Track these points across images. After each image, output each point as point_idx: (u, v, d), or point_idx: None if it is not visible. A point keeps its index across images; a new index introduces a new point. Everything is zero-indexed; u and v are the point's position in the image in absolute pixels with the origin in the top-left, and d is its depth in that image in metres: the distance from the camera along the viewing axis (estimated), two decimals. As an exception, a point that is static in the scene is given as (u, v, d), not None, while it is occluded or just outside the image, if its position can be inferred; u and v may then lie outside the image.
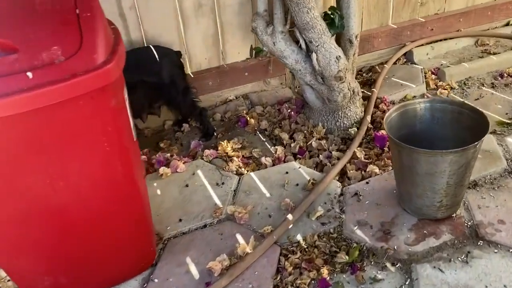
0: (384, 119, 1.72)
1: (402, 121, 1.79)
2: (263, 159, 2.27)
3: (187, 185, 2.12)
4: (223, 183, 2.11)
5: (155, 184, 2.15)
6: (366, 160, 2.18)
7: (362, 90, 2.70)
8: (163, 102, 2.47)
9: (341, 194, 1.99)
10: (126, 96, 1.43)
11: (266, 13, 2.28)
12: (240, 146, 2.44)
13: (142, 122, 2.52)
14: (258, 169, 2.24)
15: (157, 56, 2.31)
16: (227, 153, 2.39)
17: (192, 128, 2.64)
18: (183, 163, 2.27)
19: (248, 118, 2.64)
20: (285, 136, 2.45)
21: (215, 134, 2.57)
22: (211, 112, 2.73)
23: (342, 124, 2.46)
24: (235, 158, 2.31)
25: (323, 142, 2.38)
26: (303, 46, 2.25)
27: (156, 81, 2.31)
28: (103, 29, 1.24)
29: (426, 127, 1.83)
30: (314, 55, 2.17)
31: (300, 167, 2.17)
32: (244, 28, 2.66)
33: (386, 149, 2.24)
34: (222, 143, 2.44)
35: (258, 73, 2.82)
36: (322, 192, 1.97)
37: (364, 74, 3.03)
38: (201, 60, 2.70)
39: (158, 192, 2.10)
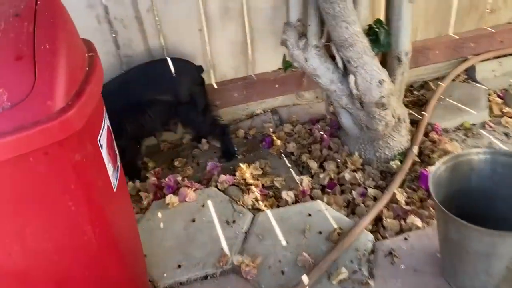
0: (430, 175, 1.36)
1: (453, 176, 1.43)
2: (284, 194, 1.96)
3: (193, 220, 1.86)
4: (234, 221, 1.83)
5: (159, 215, 1.90)
6: (407, 207, 1.82)
7: (411, 112, 2.32)
8: (180, 121, 2.21)
9: (372, 251, 1.65)
10: (104, 137, 1.16)
11: (299, 24, 1.94)
12: (261, 172, 2.14)
13: (155, 138, 2.29)
14: (278, 206, 1.94)
15: (174, 72, 2.05)
16: (245, 179, 2.10)
17: (212, 146, 2.37)
18: (194, 190, 2.00)
19: (274, 138, 2.34)
20: (313, 165, 2.12)
21: (236, 155, 2.29)
22: (234, 128, 2.44)
23: (382, 155, 2.10)
24: (253, 188, 2.02)
25: (359, 175, 2.04)
26: (340, 64, 1.90)
27: (173, 99, 2.06)
28: (66, 65, 0.97)
29: (484, 184, 1.45)
30: (351, 78, 1.82)
31: (326, 209, 1.85)
32: (276, 35, 2.30)
33: (432, 193, 1.87)
34: (242, 167, 2.16)
35: (290, 85, 2.49)
36: (349, 247, 1.64)
37: (415, 92, 2.62)
38: (226, 69, 2.41)
39: (161, 225, 1.85)
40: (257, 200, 1.98)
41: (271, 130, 2.40)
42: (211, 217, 1.86)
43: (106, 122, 1.21)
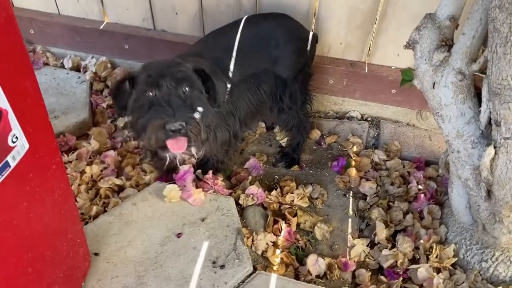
0: None
1: None
2: (311, 259, 1.33)
3: (179, 235, 1.35)
4: (222, 267, 1.27)
5: (145, 207, 1.42)
6: None
7: None
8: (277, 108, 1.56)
9: None
10: None
11: (449, 24, 1.12)
12: (307, 204, 1.51)
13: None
14: (295, 272, 1.33)
15: (281, 32, 1.43)
16: (281, 205, 1.50)
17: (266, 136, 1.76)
18: (206, 191, 1.47)
19: (353, 164, 1.63)
20: (382, 230, 1.41)
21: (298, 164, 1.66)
22: (312, 124, 1.77)
23: (492, 269, 1.30)
24: (281, 224, 1.42)
25: (442, 278, 1.29)
26: (484, 119, 1.09)
27: (283, 74, 1.46)
28: None
29: None
30: (489, 151, 1.02)
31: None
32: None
33: None
34: (288, 184, 1.55)
35: (413, 97, 1.69)
36: None
37: None
38: (332, 42, 1.69)
39: (138, 223, 1.38)
40: (274, 245, 1.38)
41: (354, 149, 1.69)
42: (200, 244, 1.33)
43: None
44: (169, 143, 1.16)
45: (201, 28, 1.78)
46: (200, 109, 1.17)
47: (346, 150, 1.69)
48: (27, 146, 0.81)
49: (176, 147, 1.17)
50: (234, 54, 1.35)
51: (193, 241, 1.34)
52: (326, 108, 1.84)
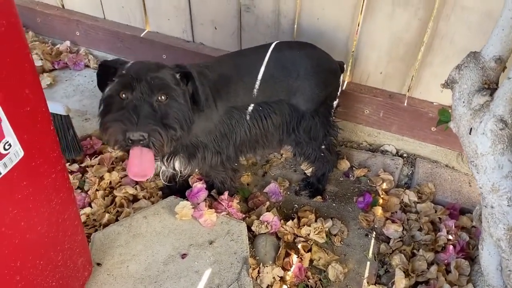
0: None
1: None
2: (319, 301, 1.23)
3: (183, 256, 1.30)
4: (221, 297, 1.21)
5: (155, 222, 1.39)
6: None
7: None
8: (294, 141, 1.45)
9: None
10: None
11: (494, 66, 1.01)
12: (324, 239, 1.41)
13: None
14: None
15: (304, 62, 1.33)
16: (295, 237, 1.42)
17: (291, 161, 1.69)
18: (219, 212, 1.42)
19: (379, 202, 1.52)
20: (401, 283, 1.29)
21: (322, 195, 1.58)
22: (341, 154, 1.68)
23: None
24: (293, 258, 1.34)
25: None
26: (523, 177, 0.96)
27: (301, 106, 1.35)
28: None
29: None
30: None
31: None
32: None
33: None
34: (305, 216, 1.47)
35: (454, 137, 1.55)
36: None
37: None
38: (372, 71, 1.60)
39: (145, 237, 1.35)
40: (282, 280, 1.30)
41: (384, 186, 1.58)
42: (204, 269, 1.28)
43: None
44: (131, 161, 1.08)
45: (239, 45, 1.75)
46: (171, 121, 1.08)
47: (375, 186, 1.58)
48: (21, 153, 0.80)
49: (139, 169, 1.09)
50: (246, 77, 1.29)
51: (197, 264, 1.29)
52: (360, 138, 1.74)
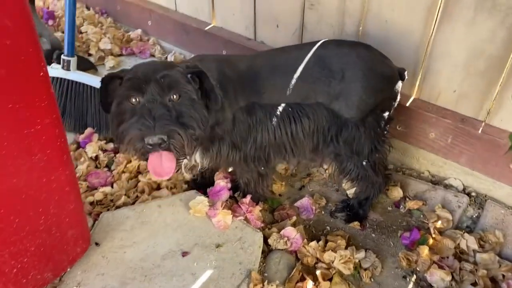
0: None
1: None
2: None
3: (184, 254, 1.18)
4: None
5: (168, 213, 1.29)
6: None
7: None
8: (334, 153, 1.26)
9: None
10: None
11: None
12: (351, 271, 1.19)
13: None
14: None
15: (352, 63, 1.16)
16: (317, 262, 1.22)
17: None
18: (236, 216, 1.27)
19: (428, 240, 1.26)
20: None
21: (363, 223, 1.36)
22: (395, 181, 1.44)
23: None
24: (308, 283, 1.14)
25: None
26: None
27: (344, 112, 1.18)
28: None
29: None
30: None
31: None
32: None
33: None
34: (334, 241, 1.26)
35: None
36: None
37: None
38: (444, 88, 1.36)
39: (151, 226, 1.25)
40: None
41: (439, 224, 1.30)
42: (201, 273, 1.13)
43: None
44: (151, 161, 1.01)
45: (300, 45, 1.62)
46: (188, 120, 0.99)
47: (427, 223, 1.32)
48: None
49: (160, 169, 1.01)
50: (278, 74, 1.15)
51: (196, 266, 1.15)
52: (421, 166, 1.48)
